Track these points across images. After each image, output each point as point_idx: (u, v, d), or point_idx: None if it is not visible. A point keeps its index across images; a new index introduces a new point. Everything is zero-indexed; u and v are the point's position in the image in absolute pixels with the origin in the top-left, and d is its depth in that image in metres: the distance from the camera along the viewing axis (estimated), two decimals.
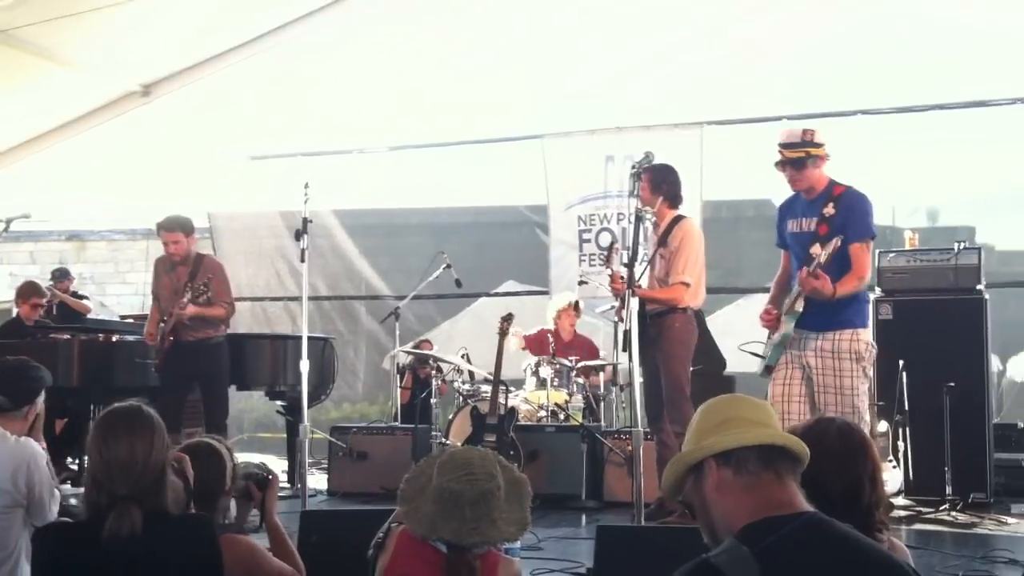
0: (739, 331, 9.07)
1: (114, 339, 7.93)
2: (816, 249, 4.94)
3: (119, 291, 15.62)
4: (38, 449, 3.89)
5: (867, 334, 5.12)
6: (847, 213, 5.04)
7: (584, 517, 6.62)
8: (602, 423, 7.80)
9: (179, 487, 3.17)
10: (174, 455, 3.17)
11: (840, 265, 4.97)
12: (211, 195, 11.18)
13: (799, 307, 5.06)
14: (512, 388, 7.68)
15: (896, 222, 9.41)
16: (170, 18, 7.78)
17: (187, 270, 7.09)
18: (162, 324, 7.06)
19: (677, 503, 4.42)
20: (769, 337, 5.30)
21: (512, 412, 7.16)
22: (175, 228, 7.08)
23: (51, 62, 7.91)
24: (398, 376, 8.74)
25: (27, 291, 8.78)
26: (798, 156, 5.12)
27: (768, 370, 5.21)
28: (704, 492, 2.17)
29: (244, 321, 10.64)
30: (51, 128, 9.21)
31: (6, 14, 6.97)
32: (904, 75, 9.49)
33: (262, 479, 3.68)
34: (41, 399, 4.13)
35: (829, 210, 5.05)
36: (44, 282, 9.78)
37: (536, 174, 9.86)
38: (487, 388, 7.59)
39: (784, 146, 5.18)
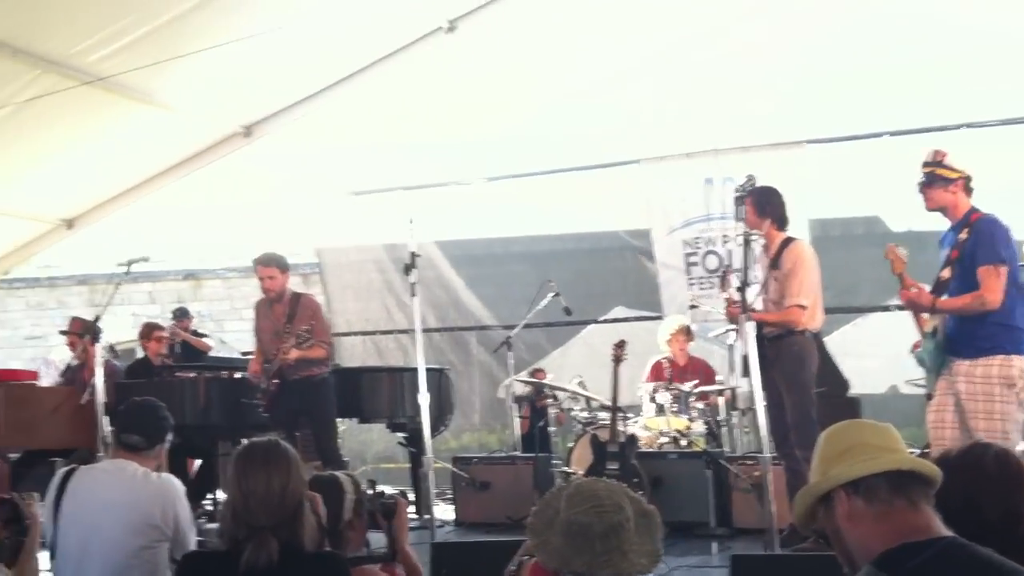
0: (858, 351, 8.94)
1: (237, 376, 8.12)
2: (945, 273, 5.03)
3: (236, 327, 16.06)
4: (180, 485, 4.05)
5: (1021, 360, 5.02)
6: (976, 237, 5.07)
7: (715, 545, 6.54)
8: (725, 448, 7.70)
9: (314, 524, 3.24)
10: (308, 495, 3.25)
11: (971, 289, 5.02)
12: (318, 231, 11.42)
13: (928, 327, 5.14)
14: (629, 414, 7.65)
15: None
16: (267, 59, 7.94)
17: (284, 309, 7.20)
18: (267, 365, 7.19)
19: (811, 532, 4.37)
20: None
21: (633, 439, 7.12)
22: (271, 263, 7.20)
23: (154, 107, 8.12)
24: (515, 406, 8.76)
25: (147, 330, 9.15)
26: (925, 174, 5.21)
27: (929, 397, 5.24)
28: (836, 522, 2.14)
29: (357, 355, 10.83)
30: (159, 171, 9.43)
31: (109, 61, 7.20)
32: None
33: (389, 507, 3.74)
34: (169, 438, 4.30)
35: (963, 235, 5.10)
36: (165, 321, 10.13)
37: (636, 199, 9.85)
38: (604, 415, 7.58)
39: (922, 164, 5.26)
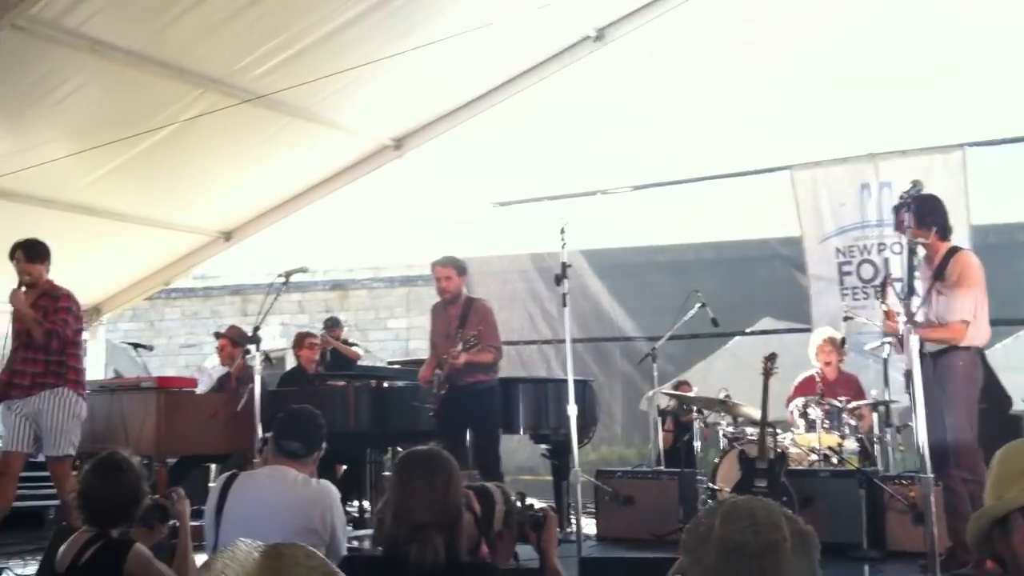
0: (1021, 364, 8.51)
1: (385, 385, 8.26)
2: None
3: (381, 337, 16.42)
4: (336, 492, 4.15)
5: None
6: None
7: (867, 568, 6.28)
8: (879, 467, 7.42)
9: (473, 530, 3.26)
10: (463, 492, 3.28)
11: None
12: (461, 242, 11.55)
13: None
14: (778, 430, 7.46)
15: None
16: (417, 73, 8.08)
17: (457, 312, 7.22)
18: (438, 372, 7.18)
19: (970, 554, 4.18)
20: None
21: (783, 456, 6.93)
22: (448, 264, 7.23)
23: (309, 122, 8.38)
24: (659, 419, 8.65)
25: (300, 339, 9.43)
26: None
27: None
28: (1014, 546, 2.04)
29: (501, 365, 10.89)
30: (312, 185, 9.70)
31: (263, 80, 7.46)
32: None
33: (537, 520, 3.72)
34: (324, 446, 4.41)
35: None
36: (314, 330, 10.41)
37: (785, 206, 9.61)
38: (751, 430, 7.40)
39: None
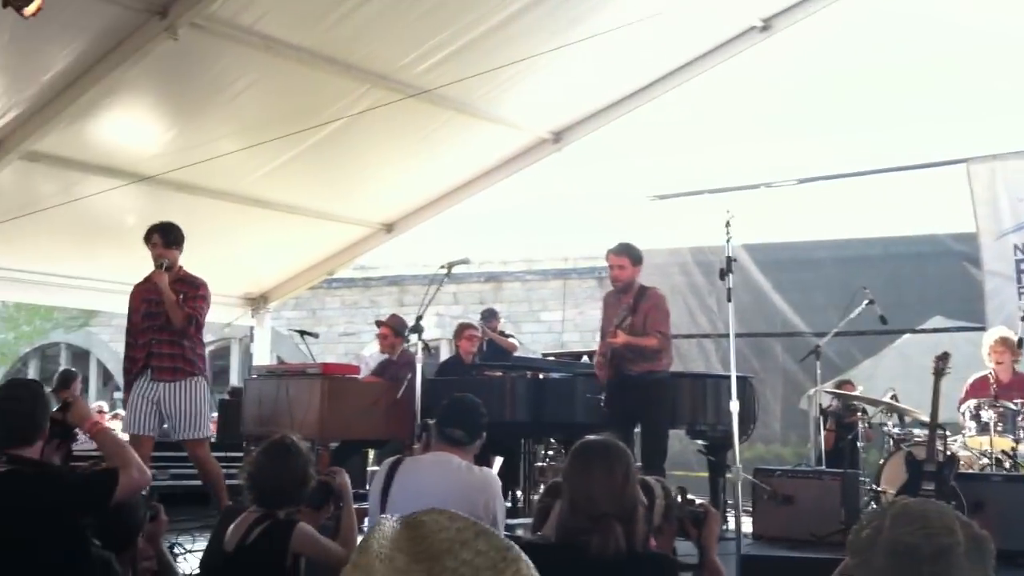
0: None
1: (541, 376, 8.30)
2: None
3: (533, 329, 16.53)
4: (498, 479, 4.21)
5: None
6: None
7: None
8: None
9: (645, 530, 3.25)
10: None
11: None
12: (618, 235, 11.49)
13: None
14: (948, 432, 7.16)
15: None
16: (578, 66, 8.08)
17: (628, 301, 7.02)
18: (601, 358, 7.09)
19: None
20: None
21: (952, 459, 6.65)
22: (622, 252, 7.05)
23: (469, 116, 8.50)
24: (820, 418, 8.40)
25: (460, 329, 9.57)
26: None
27: None
28: None
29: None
30: (470, 178, 9.82)
31: (427, 75, 7.61)
32: None
33: (698, 515, 3.67)
34: (484, 434, 4.48)
35: None
36: (471, 320, 10.54)
37: (959, 200, 9.20)
38: (918, 432, 7.13)
39: None
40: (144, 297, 6.75)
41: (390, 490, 4.15)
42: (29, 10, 5.63)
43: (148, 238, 6.67)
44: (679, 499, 3.75)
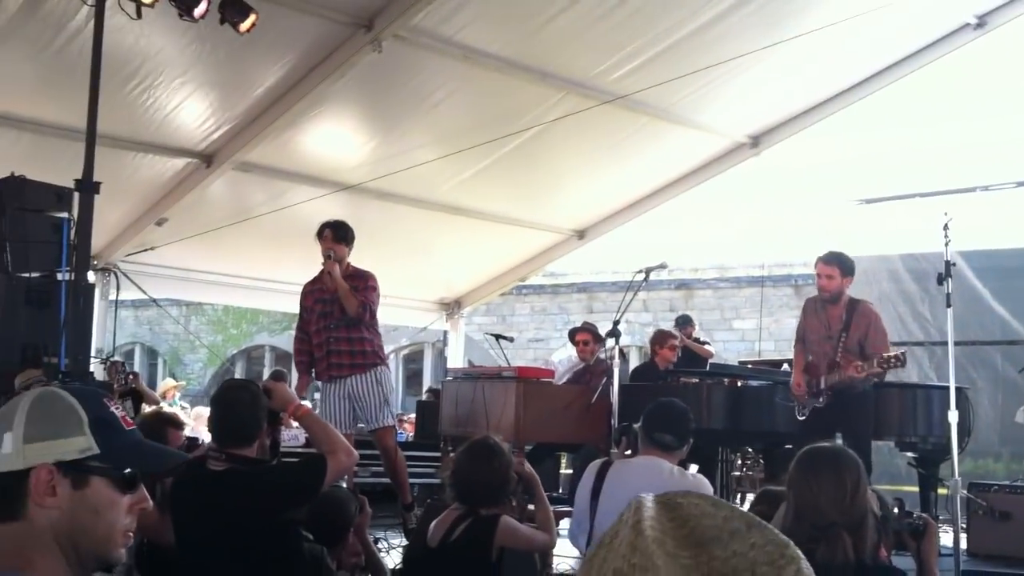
0: None
1: (739, 384, 8.13)
2: None
3: (725, 337, 16.21)
4: (709, 485, 4.14)
5: None
6: None
7: None
8: None
9: (875, 541, 3.12)
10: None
11: None
12: (818, 242, 11.13)
13: None
14: None
15: None
16: (776, 71, 7.87)
17: (839, 314, 6.77)
18: (807, 378, 6.81)
19: None
20: None
21: None
22: (832, 261, 6.77)
23: (664, 121, 8.41)
24: None
25: (662, 337, 9.41)
26: None
27: None
28: None
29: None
30: (666, 184, 9.71)
31: (622, 81, 7.57)
32: None
33: (918, 528, 3.51)
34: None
35: None
36: (665, 327, 10.41)
37: None
38: None
39: None
40: (317, 297, 6.90)
41: (600, 490, 4.14)
42: (244, 26, 5.95)
43: (320, 233, 6.80)
44: (896, 511, 3.59)
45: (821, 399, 6.68)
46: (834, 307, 6.80)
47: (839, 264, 6.76)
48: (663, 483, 4.03)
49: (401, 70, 7.19)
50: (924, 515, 3.63)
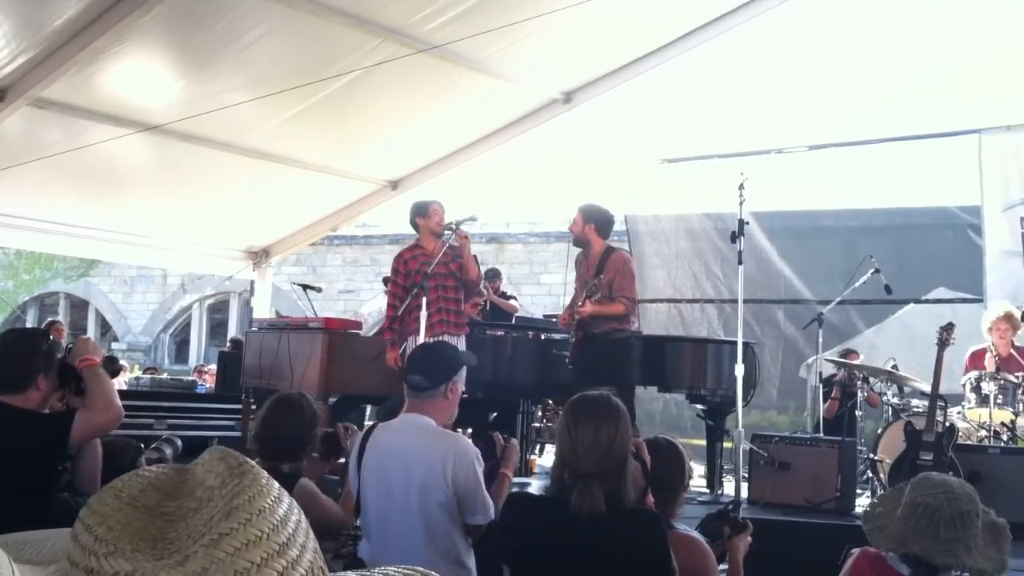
0: None
1: (543, 337, 8.34)
2: None
3: (533, 291, 16.55)
4: (464, 444, 3.88)
5: None
6: None
7: None
8: None
9: (639, 476, 3.28)
10: (635, 442, 3.29)
11: None
12: (625, 199, 11.46)
13: None
14: (947, 403, 7.22)
15: None
16: (590, 27, 7.99)
17: (594, 262, 7.20)
18: (567, 318, 7.24)
19: None
20: None
21: (951, 430, 6.71)
22: (580, 209, 7.31)
23: (481, 74, 8.39)
24: (821, 386, 8.45)
25: None
26: None
27: None
28: None
29: (660, 323, 10.86)
30: (480, 137, 9.73)
31: (439, 31, 7.51)
32: None
33: (739, 523, 3.73)
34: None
35: None
36: None
37: (967, 172, 9.18)
38: (918, 402, 7.18)
39: None
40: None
41: (362, 458, 3.91)
42: None
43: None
44: (730, 506, 3.84)
45: (571, 335, 7.17)
46: (592, 256, 7.21)
47: (583, 212, 7.29)
48: (416, 443, 3.80)
49: (212, 8, 6.90)
50: (747, 519, 3.85)
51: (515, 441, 4.19)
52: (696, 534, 3.50)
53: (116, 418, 3.65)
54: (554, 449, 3.25)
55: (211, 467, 1.04)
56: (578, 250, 7.45)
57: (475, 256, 7.61)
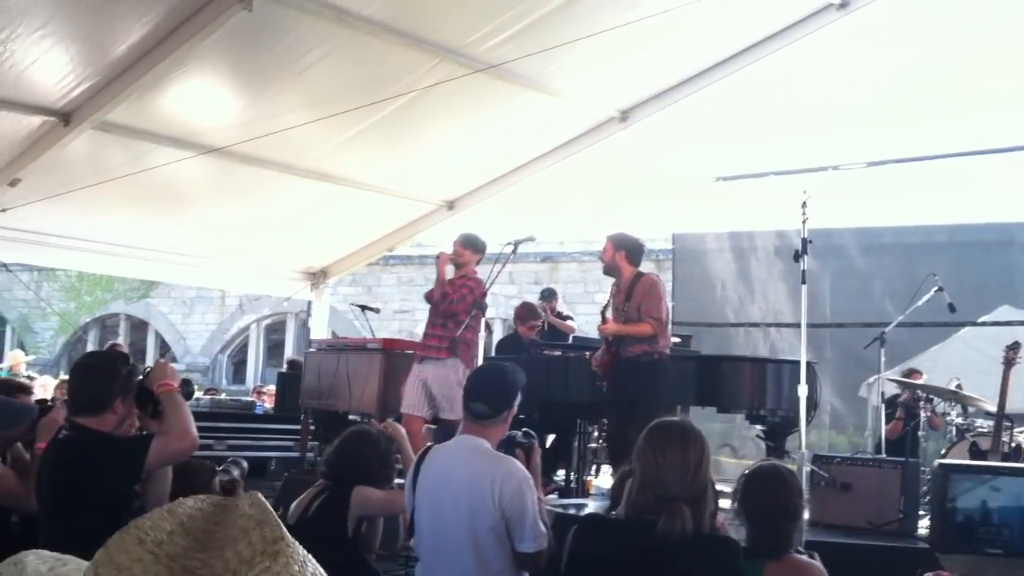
0: None
1: None
2: None
3: (587, 311, 16.47)
4: (514, 468, 3.87)
5: None
6: None
7: None
8: None
9: (713, 510, 3.26)
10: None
11: None
12: (677, 217, 11.38)
13: None
14: (1014, 423, 7.06)
15: None
16: (647, 44, 7.96)
17: (624, 287, 7.21)
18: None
19: None
20: None
21: (1018, 450, 6.58)
22: (610, 237, 7.39)
23: (538, 92, 8.40)
24: (883, 406, 8.31)
25: (525, 313, 9.52)
26: None
27: None
28: None
29: (714, 342, 10.75)
30: (537, 156, 9.71)
31: (496, 51, 7.54)
32: None
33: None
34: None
35: None
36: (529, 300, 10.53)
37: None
38: (982, 422, 7.04)
39: None
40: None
41: (417, 480, 3.91)
42: None
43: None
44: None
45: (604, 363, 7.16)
46: (623, 282, 7.22)
47: (613, 240, 7.31)
48: (468, 465, 3.81)
49: (272, 30, 7.01)
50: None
51: (538, 460, 4.15)
52: (814, 560, 3.42)
53: (191, 446, 3.66)
54: (615, 473, 3.24)
55: (248, 524, 0.98)
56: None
57: (451, 278, 7.95)
